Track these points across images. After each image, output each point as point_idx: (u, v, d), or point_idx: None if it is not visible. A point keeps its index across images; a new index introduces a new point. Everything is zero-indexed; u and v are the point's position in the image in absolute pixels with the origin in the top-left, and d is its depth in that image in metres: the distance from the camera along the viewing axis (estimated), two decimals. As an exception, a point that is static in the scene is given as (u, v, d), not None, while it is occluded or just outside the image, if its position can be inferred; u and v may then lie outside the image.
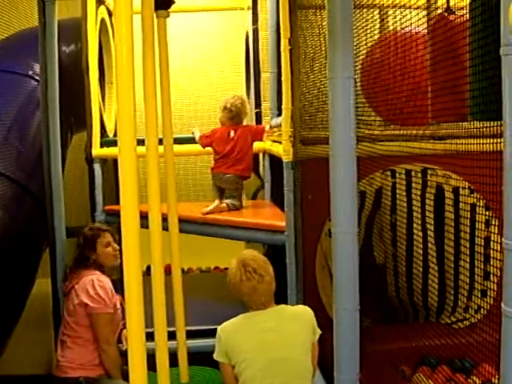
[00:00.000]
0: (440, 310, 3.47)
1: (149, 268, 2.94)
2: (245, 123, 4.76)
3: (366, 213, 3.55)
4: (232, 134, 4.52)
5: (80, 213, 5.00)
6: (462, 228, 3.30)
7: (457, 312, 3.41)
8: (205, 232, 4.40)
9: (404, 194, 3.48)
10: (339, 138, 2.40)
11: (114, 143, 4.70)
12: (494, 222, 3.04)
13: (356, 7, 2.54)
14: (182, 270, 3.29)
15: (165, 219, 2.79)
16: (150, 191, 2.45)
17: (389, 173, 3.47)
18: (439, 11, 2.96)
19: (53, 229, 3.94)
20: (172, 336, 2.88)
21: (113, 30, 5.42)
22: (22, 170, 4.01)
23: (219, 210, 4.43)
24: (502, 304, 1.55)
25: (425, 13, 2.70)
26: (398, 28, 2.71)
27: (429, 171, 3.41)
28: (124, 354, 3.50)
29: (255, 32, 5.52)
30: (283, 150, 3.76)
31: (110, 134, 5.25)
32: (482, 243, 3.21)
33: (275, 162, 4.67)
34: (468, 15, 2.24)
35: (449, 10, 2.89)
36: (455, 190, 3.36)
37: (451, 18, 2.62)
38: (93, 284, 3.34)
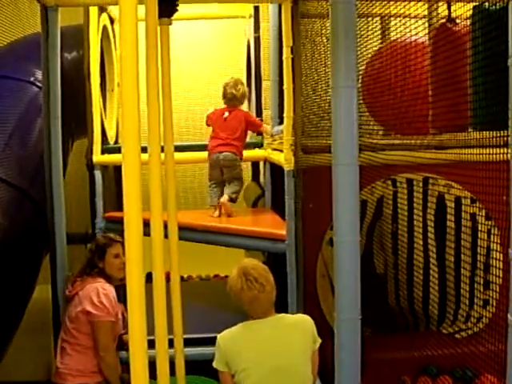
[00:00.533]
0: (441, 320, 3.47)
1: (148, 275, 2.93)
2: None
3: (367, 222, 3.55)
4: (226, 114, 4.69)
5: (80, 219, 4.99)
6: (463, 237, 3.30)
7: (458, 321, 3.40)
8: (205, 240, 4.39)
9: (405, 203, 3.48)
10: (342, 147, 2.40)
11: (114, 150, 4.71)
12: (495, 232, 3.03)
13: (360, 16, 2.55)
14: (182, 278, 3.28)
15: (165, 226, 2.78)
16: (153, 198, 2.44)
17: (390, 182, 3.48)
18: (441, 21, 2.98)
19: (53, 235, 3.93)
20: (172, 344, 2.87)
21: (114, 37, 5.43)
22: (23, 176, 4.00)
23: (227, 212, 4.51)
24: (509, 315, 1.53)
25: (427, 24, 2.71)
26: (399, 36, 2.72)
27: (430, 180, 3.40)
28: (124, 362, 3.49)
29: (257, 40, 5.56)
30: (285, 159, 3.76)
31: (111, 141, 5.25)
32: (484, 253, 3.20)
33: (276, 170, 4.68)
34: (471, 26, 2.25)
35: (451, 20, 2.90)
36: (456, 200, 3.36)
37: (453, 28, 2.63)
38: (97, 292, 3.34)
